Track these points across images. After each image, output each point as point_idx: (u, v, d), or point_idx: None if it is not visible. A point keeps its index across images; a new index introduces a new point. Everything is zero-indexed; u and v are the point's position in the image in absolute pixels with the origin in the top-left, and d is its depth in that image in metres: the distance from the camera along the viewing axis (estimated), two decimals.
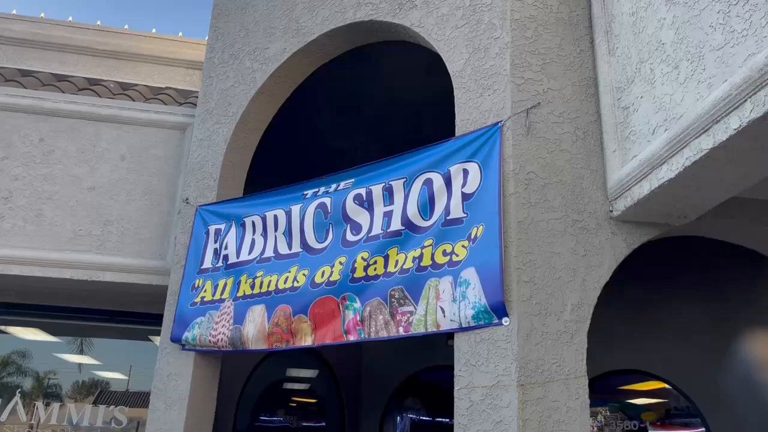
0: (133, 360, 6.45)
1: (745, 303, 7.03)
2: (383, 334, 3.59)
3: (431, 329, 3.42)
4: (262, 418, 8.09)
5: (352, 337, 3.71)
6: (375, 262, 3.72)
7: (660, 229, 3.45)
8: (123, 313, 6.05)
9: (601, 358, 7.89)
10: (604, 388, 7.89)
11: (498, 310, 3.19)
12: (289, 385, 8.51)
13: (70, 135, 5.47)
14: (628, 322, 7.65)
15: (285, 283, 4.07)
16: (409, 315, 3.52)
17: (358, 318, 3.69)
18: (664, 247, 7.25)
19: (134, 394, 6.27)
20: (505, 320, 3.19)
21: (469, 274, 3.31)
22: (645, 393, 8.02)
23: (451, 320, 3.35)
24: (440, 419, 8.39)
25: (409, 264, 3.58)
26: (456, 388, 3.26)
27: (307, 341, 3.90)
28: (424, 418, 8.62)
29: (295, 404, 8.64)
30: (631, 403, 7.92)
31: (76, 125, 5.49)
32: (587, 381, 3.18)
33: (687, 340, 7.35)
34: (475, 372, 3.21)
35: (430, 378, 8.33)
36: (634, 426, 7.65)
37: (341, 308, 3.78)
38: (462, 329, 3.32)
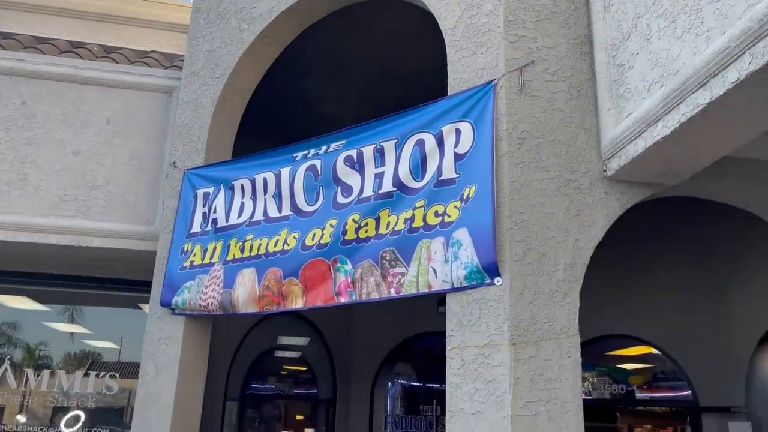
0: (124, 329, 6.42)
1: (735, 267, 7.09)
2: (375, 295, 3.57)
3: (423, 290, 3.40)
4: (254, 385, 8.13)
5: (343, 299, 3.69)
6: (366, 224, 3.68)
7: (654, 188, 3.42)
8: (113, 280, 6.00)
9: (589, 323, 7.95)
10: (592, 354, 7.97)
11: (490, 269, 3.17)
12: (280, 354, 8.54)
13: (52, 98, 5.34)
14: (617, 287, 7.69)
15: (275, 246, 4.03)
16: (400, 276, 3.49)
17: (349, 280, 3.66)
18: (656, 210, 7.24)
19: (126, 364, 6.26)
20: (497, 280, 3.18)
21: (462, 234, 3.28)
22: (632, 358, 8.12)
23: (443, 281, 3.33)
24: (431, 385, 8.47)
25: (400, 225, 3.55)
26: (448, 347, 3.26)
27: (298, 304, 3.87)
28: (415, 383, 8.71)
29: (286, 372, 8.68)
30: (618, 368, 8.03)
31: (58, 88, 5.36)
32: (579, 340, 3.19)
33: (676, 305, 7.41)
34: (467, 332, 3.20)
35: (421, 344, 8.38)
36: (622, 389, 7.77)
37: (332, 270, 3.75)
38: (454, 289, 3.30)
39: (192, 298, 4.26)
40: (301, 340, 8.58)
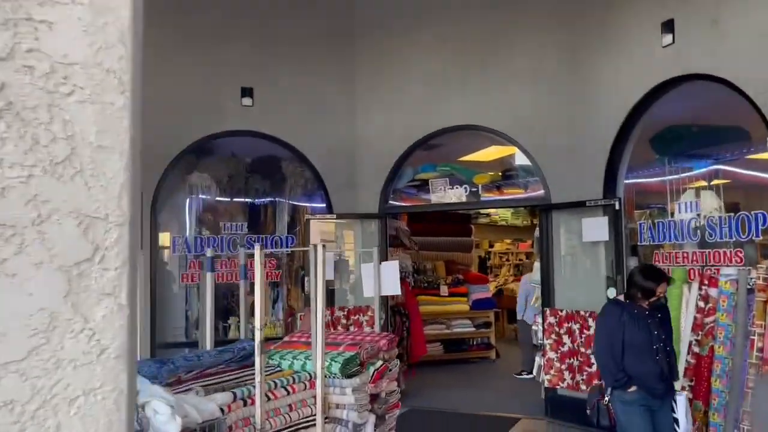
0: None
1: (600, 36, 5.64)
2: None
3: None
4: None
5: None
6: None
7: None
8: None
9: (428, 114, 6.46)
10: (436, 155, 6.54)
11: None
12: None
13: None
14: (468, 73, 6.17)
15: None
16: None
17: None
18: None
19: None
20: None
21: None
22: (482, 164, 6.79)
23: None
24: None
25: None
26: None
27: None
28: None
29: None
30: (463, 168, 6.65)
31: None
32: None
33: (531, 92, 6.02)
34: None
35: None
36: (466, 190, 6.40)
37: None
38: None
39: None
40: None
